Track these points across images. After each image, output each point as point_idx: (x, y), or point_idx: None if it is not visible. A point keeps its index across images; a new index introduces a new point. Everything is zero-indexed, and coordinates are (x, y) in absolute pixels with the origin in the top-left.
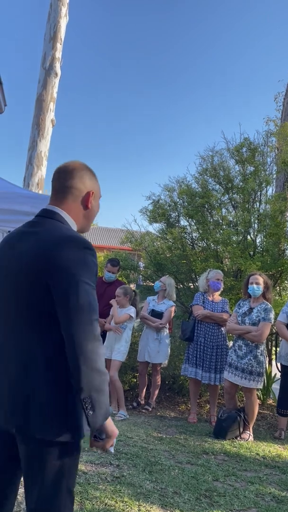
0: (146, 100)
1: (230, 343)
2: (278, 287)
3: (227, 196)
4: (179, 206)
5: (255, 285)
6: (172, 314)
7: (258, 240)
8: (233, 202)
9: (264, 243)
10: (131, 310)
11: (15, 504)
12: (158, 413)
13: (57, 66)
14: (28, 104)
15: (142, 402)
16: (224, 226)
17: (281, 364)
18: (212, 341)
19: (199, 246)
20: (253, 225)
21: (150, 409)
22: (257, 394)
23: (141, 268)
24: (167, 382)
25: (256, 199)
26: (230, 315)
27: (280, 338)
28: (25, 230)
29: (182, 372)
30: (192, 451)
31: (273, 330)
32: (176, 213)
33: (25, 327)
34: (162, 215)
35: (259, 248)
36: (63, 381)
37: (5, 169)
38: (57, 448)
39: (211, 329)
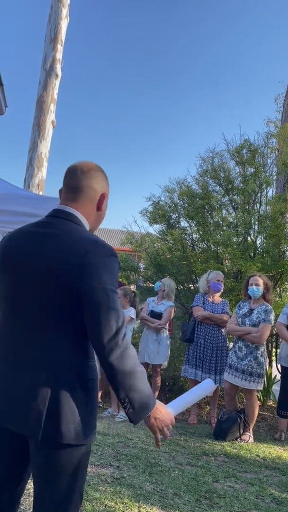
0: (147, 100)
1: (231, 344)
2: (278, 289)
3: (227, 197)
4: (179, 207)
5: (254, 287)
6: (172, 315)
7: (258, 241)
8: (233, 204)
9: (265, 244)
10: (131, 312)
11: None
12: None
13: (58, 68)
14: (28, 105)
15: None
16: (225, 228)
17: (281, 366)
18: (212, 342)
19: (199, 247)
20: (253, 227)
21: None
22: (257, 395)
23: (141, 269)
24: (167, 384)
25: (257, 200)
26: (230, 316)
27: (280, 340)
28: (40, 231)
29: (182, 373)
30: (192, 453)
31: (273, 331)
32: (177, 214)
33: (44, 330)
34: (162, 216)
35: (259, 249)
36: (82, 385)
37: (5, 170)
38: (76, 452)
39: (211, 330)
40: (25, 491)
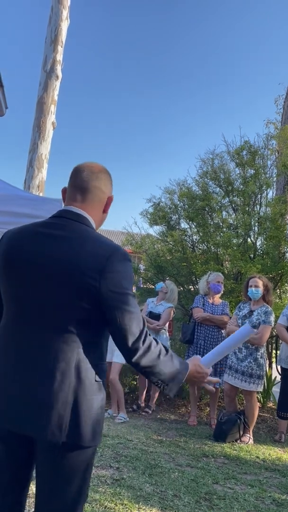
0: (147, 102)
1: None
2: (278, 290)
3: (227, 199)
4: (179, 208)
5: (254, 288)
6: (171, 316)
7: (258, 242)
8: (233, 205)
9: (264, 245)
10: None
11: None
12: (158, 416)
13: (58, 69)
14: (29, 106)
15: (142, 404)
16: (225, 229)
17: (281, 367)
18: (212, 343)
19: (200, 249)
20: (253, 228)
21: (150, 412)
22: (257, 397)
23: (142, 271)
24: None
25: (257, 202)
26: (230, 317)
27: (280, 341)
28: (51, 233)
29: None
30: (192, 454)
31: (273, 332)
32: (177, 216)
33: (59, 333)
34: (162, 217)
35: (259, 250)
36: (97, 387)
37: (5, 171)
38: (87, 453)
39: (211, 332)
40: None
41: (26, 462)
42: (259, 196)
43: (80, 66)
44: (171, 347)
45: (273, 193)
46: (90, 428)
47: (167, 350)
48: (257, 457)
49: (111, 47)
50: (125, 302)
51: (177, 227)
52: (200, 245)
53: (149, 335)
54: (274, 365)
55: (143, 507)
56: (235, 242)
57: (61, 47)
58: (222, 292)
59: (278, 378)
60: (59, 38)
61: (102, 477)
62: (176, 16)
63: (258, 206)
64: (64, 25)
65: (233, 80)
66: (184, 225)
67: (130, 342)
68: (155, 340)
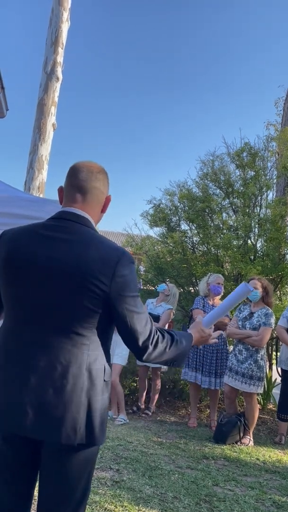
0: (148, 103)
1: (231, 348)
2: (278, 292)
3: (227, 200)
4: (179, 210)
5: (252, 290)
6: (170, 317)
7: (258, 244)
8: (233, 207)
9: (265, 247)
10: None
11: None
12: (158, 418)
13: (59, 71)
14: (29, 108)
15: (142, 406)
16: (225, 231)
17: (281, 369)
18: (212, 345)
19: (200, 250)
20: (253, 230)
21: (150, 414)
22: (257, 398)
23: (142, 272)
24: (167, 387)
25: (257, 203)
26: (231, 319)
27: (281, 343)
28: (54, 236)
29: (182, 377)
30: (192, 456)
31: (274, 334)
32: (177, 217)
33: (68, 336)
34: (162, 219)
35: (259, 252)
36: (105, 388)
37: (5, 173)
38: (93, 451)
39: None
40: None
41: (33, 465)
42: (259, 197)
43: (81, 68)
44: None
45: (273, 194)
46: (100, 427)
47: (172, 339)
48: (257, 459)
49: (112, 48)
50: (134, 305)
51: (177, 228)
52: (200, 246)
53: (156, 332)
54: (274, 367)
55: (143, 509)
56: (235, 243)
57: (62, 48)
58: (222, 293)
59: (279, 380)
60: (60, 39)
61: (102, 479)
62: (177, 20)
63: (258, 208)
64: (65, 27)
65: (234, 81)
66: (184, 226)
67: (140, 342)
68: (161, 333)
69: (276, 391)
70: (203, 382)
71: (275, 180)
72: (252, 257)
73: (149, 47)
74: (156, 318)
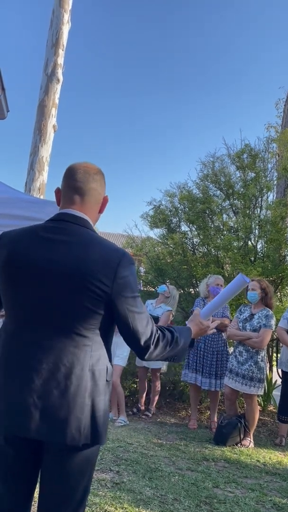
0: (149, 105)
1: (231, 349)
2: (279, 293)
3: (228, 202)
4: (180, 211)
5: (251, 292)
6: (169, 319)
7: (259, 246)
8: (234, 208)
9: (265, 249)
10: None
11: None
12: (158, 419)
13: (59, 72)
14: (30, 109)
15: (142, 408)
16: (225, 232)
17: (282, 370)
18: (212, 346)
19: (200, 252)
20: (254, 231)
21: (150, 415)
22: (257, 400)
23: (142, 273)
24: (167, 388)
25: (257, 205)
26: (231, 320)
27: (281, 344)
28: (54, 238)
29: (182, 378)
30: (192, 458)
31: (274, 336)
32: (177, 219)
33: (71, 337)
34: (163, 220)
35: (259, 254)
36: (107, 388)
37: (6, 174)
38: (95, 450)
39: (211, 335)
40: None
41: (34, 465)
42: (259, 199)
43: (81, 69)
44: None
45: (273, 196)
46: (103, 427)
47: (172, 336)
48: (258, 461)
49: (112, 50)
50: (135, 305)
51: (178, 230)
52: (201, 248)
53: (157, 331)
54: (274, 368)
55: (143, 511)
56: (235, 245)
57: (62, 50)
58: None
59: (279, 381)
60: (60, 41)
61: (102, 481)
62: (178, 21)
63: (258, 209)
64: (65, 29)
65: (234, 83)
66: (184, 228)
67: (142, 342)
68: (162, 332)
69: (276, 393)
70: (203, 383)
71: (275, 182)
72: (252, 258)
73: (150, 48)
74: (155, 319)
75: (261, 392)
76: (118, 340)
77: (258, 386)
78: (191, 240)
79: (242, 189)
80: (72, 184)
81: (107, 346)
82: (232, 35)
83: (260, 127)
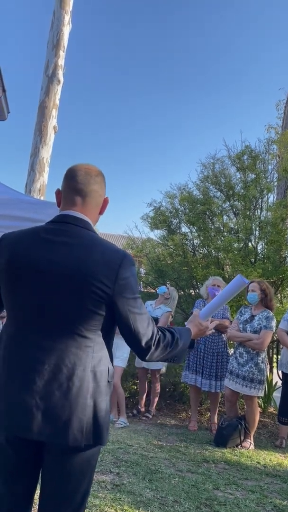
0: (149, 106)
1: (231, 350)
2: (279, 295)
3: (228, 203)
4: (180, 213)
5: (250, 293)
6: (169, 320)
7: (259, 247)
8: (234, 209)
9: (265, 250)
10: None
11: None
12: (159, 421)
13: (60, 74)
14: (30, 111)
15: (142, 409)
16: (225, 233)
17: (282, 372)
18: (213, 348)
19: (200, 253)
20: (254, 232)
21: (150, 417)
22: (258, 402)
23: (142, 275)
24: (167, 390)
25: (257, 206)
26: (231, 321)
27: (281, 346)
28: (56, 239)
29: (182, 379)
30: (192, 459)
31: (274, 337)
32: (177, 220)
33: (72, 338)
34: (163, 221)
35: (260, 255)
36: (109, 389)
37: (6, 175)
38: (96, 450)
39: (212, 336)
40: None
41: (35, 465)
42: (260, 200)
43: (82, 70)
44: None
45: (274, 197)
46: (105, 427)
47: (173, 337)
48: (258, 462)
49: (113, 51)
50: (135, 306)
51: (178, 231)
52: (201, 249)
53: (158, 332)
54: (275, 370)
55: None
56: (236, 246)
57: (63, 51)
58: None
59: (279, 383)
60: (61, 42)
61: (102, 482)
62: (178, 22)
63: (259, 211)
64: (66, 30)
65: (235, 85)
66: (185, 229)
67: (143, 343)
68: (162, 332)
69: (276, 394)
70: (203, 385)
71: (275, 183)
72: (252, 259)
73: (150, 49)
74: (154, 320)
75: (261, 394)
76: (118, 341)
77: (258, 387)
78: (191, 242)
79: (242, 191)
80: (73, 186)
81: (108, 347)
82: (232, 35)
83: (260, 128)
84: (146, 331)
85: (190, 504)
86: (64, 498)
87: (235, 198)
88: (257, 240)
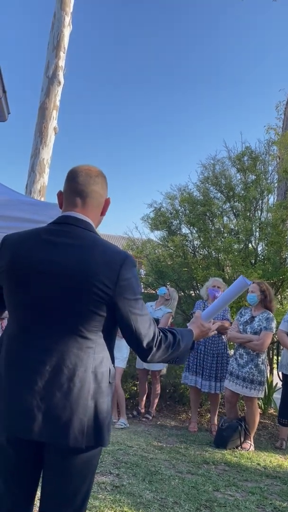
0: (150, 107)
1: (231, 352)
2: (279, 296)
3: (228, 204)
4: (180, 214)
5: (250, 293)
6: (169, 321)
7: (259, 248)
8: (234, 211)
9: (266, 251)
10: None
11: None
12: (159, 422)
13: (60, 75)
14: (31, 112)
15: (142, 410)
16: (226, 234)
17: (282, 373)
18: (213, 349)
19: (201, 254)
20: (254, 234)
21: (151, 418)
22: (258, 403)
23: (142, 276)
24: (167, 391)
25: (258, 207)
26: (231, 323)
27: (282, 347)
28: (57, 240)
29: (182, 380)
30: (192, 461)
31: (275, 338)
32: (178, 221)
33: (74, 339)
34: (163, 222)
35: (260, 256)
36: (107, 389)
37: (7, 176)
38: (98, 451)
39: (212, 337)
40: None
41: (36, 466)
42: (260, 201)
43: (83, 72)
44: None
45: (274, 198)
46: (106, 428)
47: (174, 338)
48: (258, 464)
49: (114, 52)
50: (137, 307)
51: (178, 232)
52: (201, 250)
53: (159, 333)
54: (275, 371)
55: None
56: (236, 247)
57: (63, 53)
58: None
59: (279, 384)
60: (62, 44)
61: (102, 484)
62: (179, 23)
63: (259, 212)
64: (67, 31)
65: (235, 85)
66: (185, 230)
67: (145, 344)
68: (164, 333)
69: (277, 396)
70: (203, 386)
71: (276, 184)
72: (253, 261)
73: (151, 51)
74: (155, 322)
75: (261, 395)
76: (117, 342)
77: (258, 389)
78: (191, 243)
79: (242, 192)
80: (74, 187)
81: (110, 348)
82: (234, 37)
83: (260, 129)
84: (147, 332)
85: (190, 506)
86: (65, 499)
87: (235, 199)
88: (257, 241)
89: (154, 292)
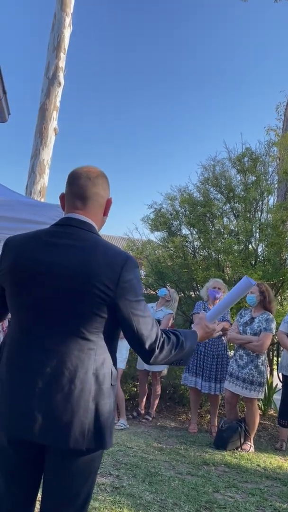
0: (150, 109)
1: (231, 353)
2: (279, 297)
3: (228, 205)
4: (180, 214)
5: (249, 294)
6: (170, 322)
7: (259, 249)
8: (234, 211)
9: (266, 252)
10: None
11: None
12: (158, 423)
13: (61, 76)
14: (31, 113)
15: (142, 411)
16: (226, 235)
17: (282, 374)
18: (213, 350)
19: (201, 255)
20: (254, 235)
21: (150, 419)
22: (258, 404)
23: (142, 277)
24: (167, 392)
25: (258, 208)
26: (231, 324)
27: (282, 348)
28: (59, 242)
29: (182, 381)
30: (192, 462)
31: (275, 339)
32: (178, 222)
33: (76, 341)
34: (163, 223)
35: (260, 257)
36: (112, 391)
37: (7, 177)
38: (100, 454)
39: (212, 338)
40: None
41: (37, 468)
42: (260, 202)
43: (83, 73)
44: None
45: (274, 199)
46: (108, 430)
47: (178, 340)
48: (258, 465)
49: (114, 53)
50: (139, 309)
51: (178, 233)
52: (201, 251)
53: (162, 334)
54: (275, 372)
55: None
56: (236, 248)
57: (64, 54)
58: (220, 298)
59: (279, 385)
60: (62, 45)
61: (101, 485)
62: (180, 25)
63: (259, 213)
64: (67, 32)
65: (236, 86)
66: (185, 231)
67: (147, 346)
68: (167, 335)
69: (277, 397)
70: (203, 387)
71: (276, 185)
72: (253, 262)
73: (152, 52)
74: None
75: (261, 396)
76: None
77: (258, 390)
78: (191, 244)
79: (242, 193)
80: (74, 190)
81: (111, 350)
82: (234, 37)
83: (260, 130)
84: (149, 333)
85: (190, 507)
86: (66, 501)
87: (235, 200)
88: (257, 242)
89: (154, 293)
